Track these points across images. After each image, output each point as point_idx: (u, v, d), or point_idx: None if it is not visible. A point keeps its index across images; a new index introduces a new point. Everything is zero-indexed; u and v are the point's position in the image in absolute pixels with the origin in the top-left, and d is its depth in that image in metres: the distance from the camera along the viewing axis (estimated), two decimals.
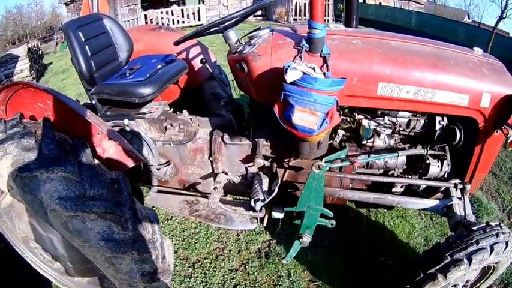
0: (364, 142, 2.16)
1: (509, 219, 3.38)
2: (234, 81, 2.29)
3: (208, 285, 2.63)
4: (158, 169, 2.38)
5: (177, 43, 2.27)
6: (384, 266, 2.76)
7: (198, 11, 18.60)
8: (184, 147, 2.34)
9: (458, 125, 2.06)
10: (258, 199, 2.04)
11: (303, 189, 1.98)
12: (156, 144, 2.34)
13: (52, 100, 1.93)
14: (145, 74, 2.23)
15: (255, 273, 2.71)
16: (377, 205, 2.57)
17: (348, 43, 2.00)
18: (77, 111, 1.86)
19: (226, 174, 2.33)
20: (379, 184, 2.34)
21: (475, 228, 1.91)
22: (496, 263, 2.00)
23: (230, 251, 2.90)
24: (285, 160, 2.21)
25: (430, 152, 2.16)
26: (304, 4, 19.46)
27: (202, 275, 2.70)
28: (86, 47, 2.26)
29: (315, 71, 1.71)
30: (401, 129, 2.19)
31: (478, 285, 2.20)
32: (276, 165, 2.23)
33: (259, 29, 2.18)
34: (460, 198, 2.18)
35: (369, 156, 2.17)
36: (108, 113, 2.32)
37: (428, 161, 2.18)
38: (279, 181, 2.09)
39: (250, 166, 2.29)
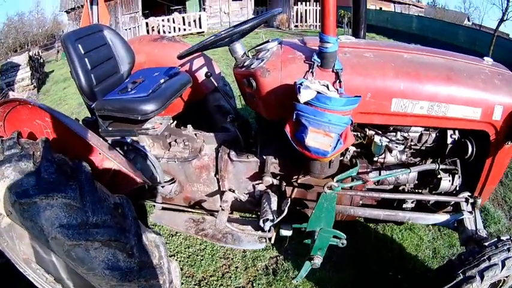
0: (375, 158, 2.10)
1: None
2: (240, 95, 2.22)
3: None
4: (163, 186, 2.32)
5: (180, 57, 2.20)
6: (393, 280, 2.72)
7: (199, 19, 18.63)
8: (189, 164, 2.28)
9: (470, 138, 2.02)
10: (267, 219, 1.98)
11: (313, 208, 1.93)
12: (160, 162, 2.28)
13: (50, 118, 1.87)
14: (148, 89, 2.16)
15: None
16: (387, 221, 2.50)
17: (360, 56, 1.93)
18: (76, 132, 1.78)
19: (233, 192, 2.27)
20: (389, 199, 2.28)
21: (486, 244, 1.89)
22: (506, 277, 1.97)
23: (237, 268, 2.82)
24: (294, 178, 2.14)
25: (441, 166, 2.12)
26: (305, 11, 19.56)
27: None
28: (86, 59, 2.18)
29: (328, 88, 1.63)
30: (412, 143, 2.14)
31: None
32: (285, 184, 2.16)
33: (267, 42, 2.10)
34: (470, 212, 2.15)
35: (380, 173, 2.11)
36: (110, 129, 2.23)
37: (439, 176, 2.14)
38: (289, 201, 2.02)
39: (258, 184, 2.22)
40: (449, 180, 2.15)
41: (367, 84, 1.84)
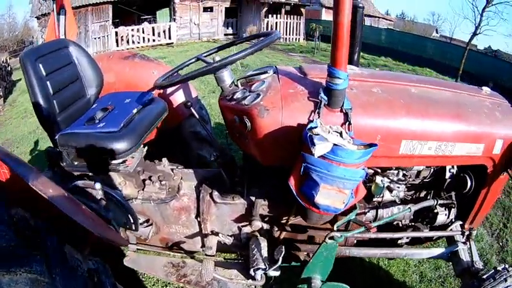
0: (374, 199, 1.96)
1: (498, 244, 3.39)
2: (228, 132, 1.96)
3: None
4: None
5: (158, 87, 1.96)
6: None
7: (169, 29, 18.39)
8: (166, 205, 2.03)
9: (468, 172, 1.96)
10: (259, 268, 1.77)
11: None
12: (134, 202, 2.02)
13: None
14: (119, 122, 1.90)
15: None
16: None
17: (368, 93, 1.72)
18: (31, 186, 1.47)
19: (217, 235, 2.03)
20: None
21: (485, 277, 1.87)
22: None
23: None
24: (285, 219, 1.94)
25: (439, 201, 2.06)
26: (276, 23, 19.69)
27: None
28: (48, 83, 1.90)
29: (342, 136, 1.40)
30: (411, 179, 2.02)
31: None
32: (276, 228, 1.96)
33: (264, 72, 1.84)
34: (465, 243, 2.10)
35: (378, 213, 2.01)
36: (76, 163, 1.94)
37: (436, 210, 2.08)
38: (283, 249, 1.79)
39: (245, 226, 2.00)
40: (446, 214, 2.10)
41: (378, 125, 1.65)
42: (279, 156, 1.67)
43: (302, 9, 21.01)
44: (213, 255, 1.94)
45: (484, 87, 2.01)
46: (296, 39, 20.37)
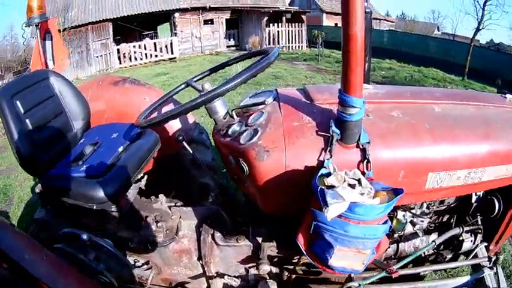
0: (395, 235, 1.74)
1: None
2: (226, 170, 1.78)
3: None
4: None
5: (140, 126, 1.76)
6: None
7: (171, 44, 18.39)
8: (165, 249, 1.84)
9: (496, 195, 1.75)
10: None
11: None
12: (130, 246, 1.84)
13: None
14: (104, 163, 1.73)
15: None
16: None
17: (387, 118, 1.47)
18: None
19: (222, 277, 1.83)
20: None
21: None
22: None
23: None
24: (296, 258, 1.74)
25: (465, 228, 1.83)
26: (278, 32, 19.55)
27: None
28: (27, 121, 1.75)
29: (360, 183, 1.16)
30: (434, 207, 1.80)
31: None
32: (286, 269, 1.76)
33: (262, 103, 1.57)
34: (491, 268, 1.87)
35: (399, 248, 1.79)
36: (64, 205, 1.74)
37: (461, 238, 1.85)
38: None
39: (252, 267, 1.80)
40: (471, 241, 1.87)
41: (401, 158, 1.41)
42: (282, 203, 1.46)
43: (303, 16, 20.76)
44: None
45: (508, 95, 1.80)
46: (299, 47, 20.16)
